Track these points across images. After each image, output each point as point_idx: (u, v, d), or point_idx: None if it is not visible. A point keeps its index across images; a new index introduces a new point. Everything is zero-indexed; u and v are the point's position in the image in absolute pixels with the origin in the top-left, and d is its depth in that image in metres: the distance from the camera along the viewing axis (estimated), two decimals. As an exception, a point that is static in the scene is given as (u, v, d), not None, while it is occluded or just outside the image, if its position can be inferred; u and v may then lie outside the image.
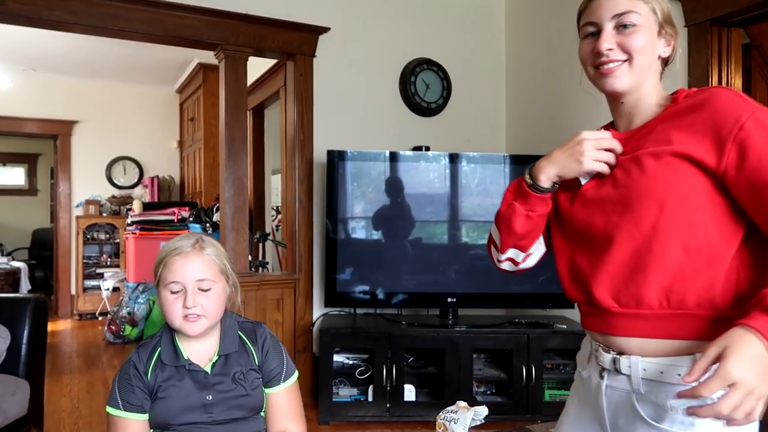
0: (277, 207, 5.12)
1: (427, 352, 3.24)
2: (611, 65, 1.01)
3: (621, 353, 0.99)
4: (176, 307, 1.31)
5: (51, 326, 4.36)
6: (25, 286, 5.80)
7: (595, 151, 1.00)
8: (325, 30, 3.49)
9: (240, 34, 3.28)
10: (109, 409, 1.33)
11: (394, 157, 3.32)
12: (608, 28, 1.01)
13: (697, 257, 0.92)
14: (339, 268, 3.26)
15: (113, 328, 5.04)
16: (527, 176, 1.07)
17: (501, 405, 3.08)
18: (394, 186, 3.33)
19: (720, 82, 2.75)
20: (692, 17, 2.79)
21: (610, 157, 1.00)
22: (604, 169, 1.01)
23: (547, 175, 1.04)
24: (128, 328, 5.03)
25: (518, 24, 3.94)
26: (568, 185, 1.08)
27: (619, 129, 1.08)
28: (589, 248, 1.04)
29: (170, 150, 6.85)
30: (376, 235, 3.35)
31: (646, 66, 1.01)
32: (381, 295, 3.29)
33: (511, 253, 1.16)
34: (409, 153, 3.39)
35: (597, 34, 1.03)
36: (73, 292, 6.30)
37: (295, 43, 3.43)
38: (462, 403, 1.43)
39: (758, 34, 3.76)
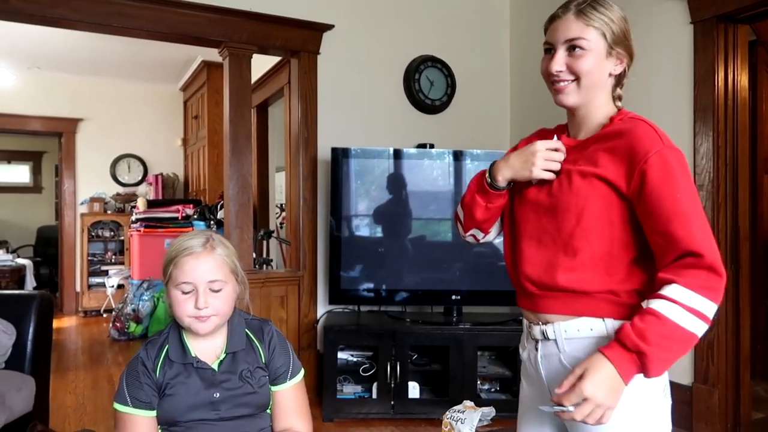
0: (281, 204, 5.12)
1: (431, 349, 3.24)
2: (561, 84, 1.17)
3: (546, 323, 1.19)
4: (187, 307, 1.31)
5: (56, 323, 4.38)
6: (30, 283, 5.81)
7: (544, 162, 1.17)
8: (329, 27, 3.48)
9: (244, 31, 3.28)
10: (117, 406, 1.33)
11: (398, 155, 3.32)
12: (560, 50, 1.16)
13: (599, 262, 1.12)
14: (343, 266, 3.26)
15: (118, 325, 5.05)
16: (487, 174, 1.26)
17: (505, 402, 3.07)
18: (398, 183, 3.33)
19: (726, 79, 2.74)
20: (698, 14, 2.77)
21: (557, 167, 1.17)
22: (551, 176, 1.18)
23: (503, 176, 1.24)
24: (133, 325, 5.04)
25: (523, 21, 3.93)
26: (519, 184, 1.26)
27: (569, 134, 1.25)
28: (523, 241, 1.23)
29: (174, 148, 6.86)
30: (380, 232, 3.35)
31: (593, 85, 1.16)
32: (385, 293, 3.29)
33: (473, 231, 1.37)
34: (413, 150, 3.39)
35: (552, 52, 1.18)
36: (78, 289, 6.32)
37: (299, 40, 3.43)
38: (469, 403, 1.43)
39: (765, 31, 3.73)
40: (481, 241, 1.40)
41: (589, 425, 1.03)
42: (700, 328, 1.01)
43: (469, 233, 1.38)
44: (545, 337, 1.19)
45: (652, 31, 3.01)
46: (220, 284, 1.33)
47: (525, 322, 1.28)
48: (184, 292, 1.31)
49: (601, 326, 1.12)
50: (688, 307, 1.00)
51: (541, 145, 1.18)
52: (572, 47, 1.15)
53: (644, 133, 1.09)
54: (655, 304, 1.02)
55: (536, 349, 1.22)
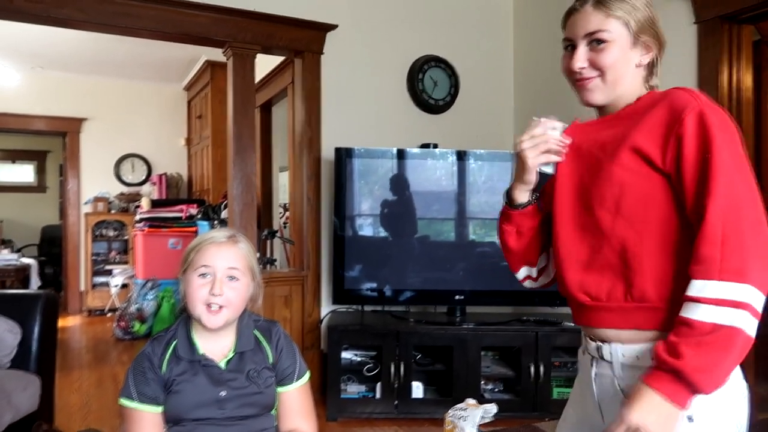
0: (285, 204, 5.13)
1: (434, 349, 3.24)
2: (585, 81, 1.08)
3: (603, 341, 1.06)
4: (202, 292, 1.32)
5: (61, 322, 4.35)
6: (35, 282, 5.84)
7: (534, 150, 1.09)
8: (333, 27, 3.49)
9: (248, 31, 3.28)
10: (123, 401, 1.33)
11: (401, 155, 3.32)
12: (581, 45, 1.07)
13: (659, 260, 0.98)
14: (347, 266, 3.26)
15: (122, 324, 5.07)
16: (505, 199, 1.18)
17: (509, 402, 3.08)
18: (401, 183, 3.33)
19: (730, 79, 2.73)
20: (702, 14, 2.77)
21: (553, 146, 1.09)
22: (550, 159, 1.09)
23: (516, 188, 1.15)
24: (137, 325, 5.06)
25: (526, 21, 3.93)
26: (548, 196, 1.16)
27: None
28: (560, 240, 1.11)
29: (178, 147, 6.87)
30: (384, 232, 3.35)
31: (620, 78, 1.06)
32: (389, 293, 3.29)
33: (525, 271, 1.25)
34: (417, 150, 3.39)
35: (573, 48, 1.09)
36: (83, 288, 6.35)
37: (303, 40, 3.44)
38: (471, 401, 1.44)
39: (769, 31, 3.72)
40: (540, 281, 1.26)
41: None
42: (740, 319, 0.86)
43: (521, 275, 1.25)
44: (601, 356, 1.06)
45: (656, 30, 3.00)
46: (238, 273, 1.35)
47: (582, 333, 1.15)
48: (201, 275, 1.33)
49: None
50: (714, 300, 0.87)
51: (524, 136, 1.11)
52: (594, 41, 1.05)
53: (680, 95, 0.98)
54: (683, 311, 0.91)
55: (591, 365, 1.09)
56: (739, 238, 0.88)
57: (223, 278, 1.33)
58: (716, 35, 2.73)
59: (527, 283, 1.27)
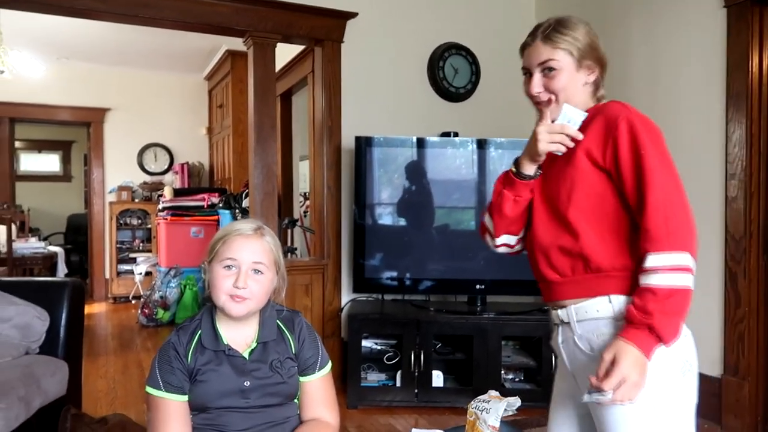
0: (305, 193, 5.14)
1: (455, 338, 3.24)
2: (542, 103, 1.30)
3: (561, 307, 1.29)
4: (226, 283, 1.33)
5: (87, 309, 4.45)
6: (62, 270, 5.95)
7: (548, 134, 1.24)
8: (353, 15, 3.47)
9: (268, 20, 3.28)
10: (150, 390, 1.35)
11: (421, 143, 3.30)
12: (536, 74, 1.30)
13: (603, 239, 1.21)
14: (367, 254, 3.27)
15: (146, 311, 5.16)
16: (513, 167, 1.34)
17: (530, 392, 3.07)
18: (421, 172, 3.32)
19: (761, 63, 2.66)
20: (732, -3, 2.69)
21: (563, 139, 1.23)
22: (559, 148, 1.24)
23: (524, 161, 1.31)
24: (161, 312, 5.14)
25: (548, 6, 3.86)
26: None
27: None
28: (534, 227, 1.33)
29: (199, 137, 6.93)
30: (404, 221, 3.34)
31: (570, 98, 1.28)
32: (409, 282, 3.29)
33: (505, 238, 1.43)
34: (437, 139, 3.37)
35: (529, 75, 1.32)
36: (108, 276, 6.46)
37: (323, 29, 3.42)
38: (494, 393, 1.43)
39: (802, 14, 3.61)
40: (515, 248, 1.46)
41: (612, 411, 1.16)
42: (686, 280, 1.11)
43: (501, 240, 1.43)
44: (562, 321, 1.29)
45: (683, 15, 2.93)
46: (263, 267, 1.37)
47: (550, 311, 1.36)
48: (226, 267, 1.34)
49: (606, 306, 1.21)
50: (666, 268, 1.10)
51: (542, 125, 1.26)
52: (545, 69, 1.28)
53: (614, 106, 1.23)
54: (643, 280, 1.13)
55: (558, 335, 1.32)
56: (675, 218, 1.13)
57: (248, 271, 1.35)
58: (746, 19, 2.65)
59: (502, 249, 1.46)
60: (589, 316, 1.23)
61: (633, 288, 1.16)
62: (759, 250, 2.66)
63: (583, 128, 1.24)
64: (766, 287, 2.68)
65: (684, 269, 1.11)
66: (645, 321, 1.09)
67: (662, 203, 1.13)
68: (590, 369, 1.17)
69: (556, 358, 1.38)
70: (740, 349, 2.68)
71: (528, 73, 1.32)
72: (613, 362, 1.09)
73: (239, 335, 1.40)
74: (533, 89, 1.30)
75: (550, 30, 1.28)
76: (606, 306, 1.21)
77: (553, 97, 1.29)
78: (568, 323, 1.27)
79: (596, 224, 1.22)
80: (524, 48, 1.34)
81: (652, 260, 1.12)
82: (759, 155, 2.65)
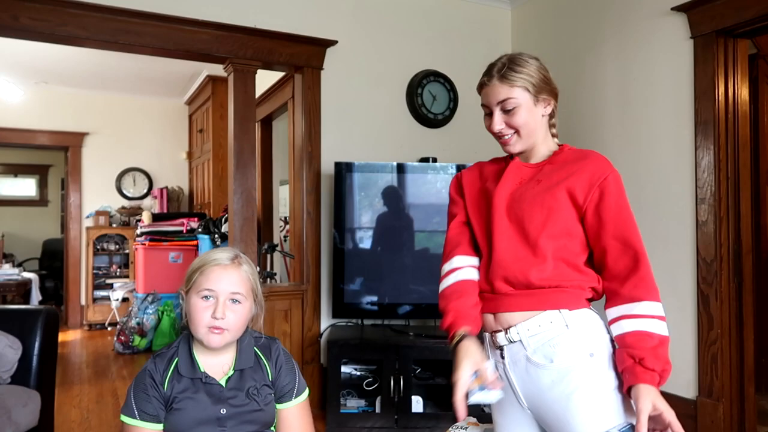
0: (285, 217, 5.14)
1: (434, 363, 3.24)
2: (506, 138, 1.38)
3: (509, 327, 1.30)
4: (205, 315, 1.34)
5: (61, 336, 4.37)
6: (36, 297, 5.84)
7: (460, 399, 1.24)
8: (333, 43, 3.52)
9: (249, 47, 3.32)
10: (124, 418, 1.34)
11: (401, 169, 3.34)
12: (496, 111, 1.36)
13: (565, 260, 1.30)
14: (347, 279, 3.27)
15: (122, 338, 5.07)
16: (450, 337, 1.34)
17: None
18: (401, 197, 3.35)
19: (726, 92, 2.76)
20: (698, 29, 2.80)
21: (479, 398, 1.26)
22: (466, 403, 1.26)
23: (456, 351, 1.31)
24: (137, 339, 5.06)
25: (524, 36, 3.97)
26: (487, 194, 1.44)
27: (521, 159, 1.44)
28: (495, 244, 1.36)
29: (179, 161, 6.91)
30: (384, 246, 3.36)
31: (532, 131, 1.37)
32: (388, 306, 3.29)
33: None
34: (416, 164, 3.41)
35: (491, 113, 1.37)
36: (83, 302, 6.35)
37: (303, 56, 3.47)
38: (471, 419, 1.44)
39: (765, 44, 3.76)
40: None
41: (584, 402, 1.23)
42: (667, 330, 1.23)
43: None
44: (510, 341, 1.31)
45: (653, 45, 3.04)
46: (240, 297, 1.37)
47: (486, 336, 1.38)
48: (204, 297, 1.34)
49: (558, 318, 1.27)
50: (658, 317, 1.22)
51: (458, 392, 1.25)
52: (504, 108, 1.35)
53: (600, 159, 1.34)
54: (640, 324, 1.21)
55: (503, 357, 1.33)
56: (651, 271, 1.25)
57: (226, 301, 1.35)
58: (712, 49, 2.75)
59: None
60: (542, 329, 1.27)
61: (578, 303, 1.28)
62: (730, 272, 2.73)
63: (564, 165, 1.34)
64: (737, 309, 2.74)
65: (665, 319, 1.23)
66: (661, 368, 1.18)
67: (645, 255, 1.25)
68: (551, 382, 1.24)
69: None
70: (714, 371, 2.72)
71: (488, 111, 1.38)
72: (657, 409, 1.14)
73: (216, 363, 1.40)
74: (494, 127, 1.37)
75: (505, 69, 1.34)
76: (557, 317, 1.27)
77: (513, 134, 1.37)
78: (518, 341, 1.29)
79: (560, 251, 1.30)
80: (482, 87, 1.39)
81: (648, 308, 1.22)
82: (727, 180, 2.74)
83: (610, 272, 1.28)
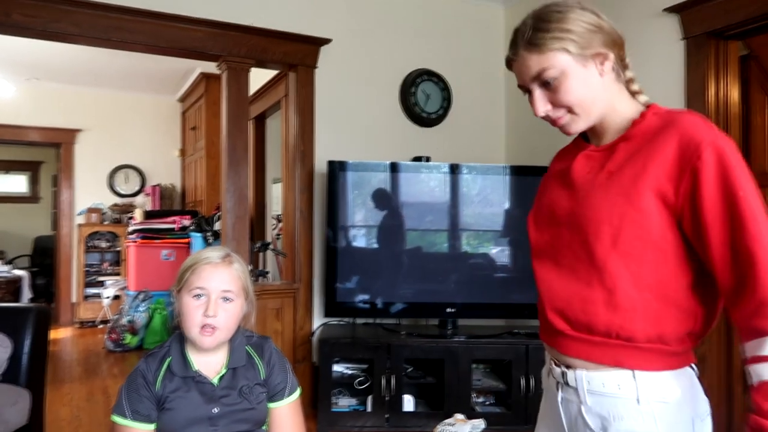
0: (278, 216, 5.14)
1: (426, 362, 3.24)
2: (558, 120, 1.03)
3: (568, 367, 1.03)
4: (197, 314, 1.34)
5: (52, 334, 4.36)
6: (26, 294, 5.81)
7: None
8: (327, 41, 3.52)
9: (242, 45, 3.31)
10: (116, 418, 1.34)
11: (394, 168, 3.34)
12: (535, 90, 1.02)
13: (647, 297, 0.94)
14: (339, 278, 3.27)
15: (114, 336, 5.05)
16: None
17: (500, 416, 3.08)
18: (394, 196, 3.35)
19: (717, 94, 2.78)
20: (689, 30, 2.82)
21: None
22: None
23: None
24: (129, 337, 5.04)
25: (518, 35, 3.97)
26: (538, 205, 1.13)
27: (591, 142, 1.09)
28: (542, 265, 1.07)
29: (172, 158, 6.88)
30: (377, 245, 3.36)
31: (589, 104, 1.00)
32: (380, 305, 3.30)
33: None
34: (410, 163, 3.42)
35: (529, 93, 1.04)
36: (74, 300, 6.32)
37: (297, 54, 3.46)
38: (459, 416, 1.45)
39: (756, 46, 3.78)
40: None
41: None
42: None
43: None
44: (567, 384, 1.04)
45: (645, 46, 3.05)
46: (232, 296, 1.37)
47: (547, 354, 1.13)
48: (196, 296, 1.34)
49: (630, 383, 0.95)
50: None
51: None
52: (543, 82, 1.00)
53: (691, 123, 0.91)
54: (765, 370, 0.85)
55: (557, 389, 1.07)
56: None
57: (218, 300, 1.35)
58: (704, 51, 2.77)
59: None
60: (606, 390, 0.97)
61: (664, 363, 0.95)
62: (719, 273, 2.74)
63: (648, 143, 0.94)
64: (724, 310, 2.76)
65: None
66: None
67: None
68: None
69: (542, 390, 1.17)
70: (701, 371, 2.73)
71: (526, 90, 1.05)
72: None
73: (209, 362, 1.40)
74: (537, 111, 1.03)
75: (531, 32, 0.99)
76: (629, 383, 0.95)
77: (566, 113, 1.01)
78: (575, 388, 1.01)
79: (641, 282, 0.94)
80: (509, 66, 1.06)
81: None
82: (717, 182, 2.75)
83: (724, 293, 0.90)
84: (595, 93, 1.00)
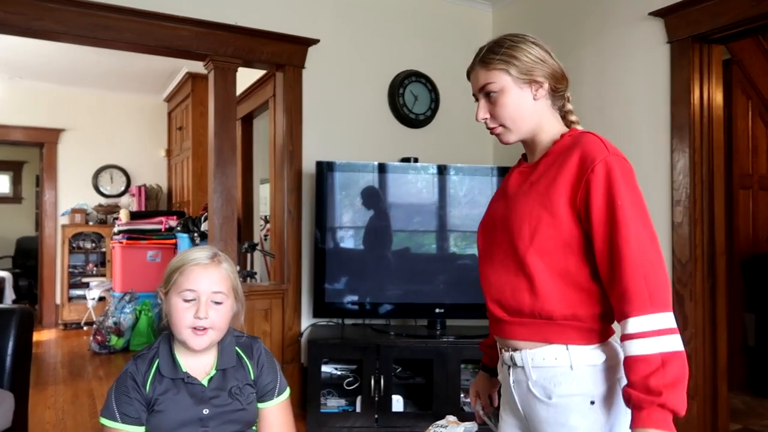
0: (266, 216, 5.11)
1: (415, 362, 3.25)
2: (493, 129, 1.24)
3: (515, 350, 1.20)
4: (187, 316, 1.32)
5: (35, 336, 4.30)
6: (9, 295, 5.73)
7: None
8: (315, 42, 3.51)
9: (229, 45, 3.29)
10: (105, 421, 1.32)
11: (382, 168, 3.34)
12: (481, 99, 1.23)
13: (559, 284, 1.14)
14: (327, 279, 3.27)
15: (99, 338, 4.99)
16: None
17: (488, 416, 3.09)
18: (382, 197, 3.36)
19: (701, 97, 2.81)
20: (674, 34, 2.85)
21: None
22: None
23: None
24: (114, 338, 4.98)
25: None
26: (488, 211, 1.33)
27: (527, 160, 1.29)
28: (484, 263, 1.28)
29: (158, 159, 6.82)
30: (365, 245, 3.36)
31: (519, 119, 1.20)
32: (369, 306, 3.30)
33: None
34: (398, 164, 3.42)
35: (478, 102, 1.24)
36: (58, 301, 6.23)
37: (285, 54, 3.45)
38: (451, 418, 1.45)
39: (739, 50, 3.84)
40: None
41: None
42: (676, 342, 1.02)
43: None
44: (515, 364, 1.20)
45: (631, 50, 3.08)
46: (222, 297, 1.36)
47: (498, 345, 1.29)
48: (186, 300, 1.33)
49: (564, 355, 1.14)
50: (653, 332, 1.02)
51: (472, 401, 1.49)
52: (487, 93, 1.21)
53: (589, 142, 1.13)
54: (629, 348, 1.04)
55: (509, 374, 1.23)
56: (654, 276, 1.04)
57: (208, 301, 1.34)
58: (688, 54, 2.81)
59: None
60: (546, 363, 1.15)
61: (587, 338, 1.13)
62: (704, 273, 2.79)
63: (560, 158, 1.15)
64: (710, 309, 2.80)
65: (671, 331, 1.02)
66: (655, 401, 0.99)
67: (639, 261, 1.04)
68: (547, 417, 1.15)
69: (499, 395, 1.36)
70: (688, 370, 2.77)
71: (477, 99, 1.26)
72: None
73: (198, 363, 1.39)
74: (478, 115, 1.24)
75: (485, 52, 1.22)
76: (563, 355, 1.13)
77: (499, 125, 1.22)
78: (522, 367, 1.19)
79: (554, 272, 1.14)
80: (468, 76, 1.27)
81: (635, 325, 1.03)
82: (701, 183, 2.79)
83: (604, 282, 1.11)
84: (525, 112, 1.20)
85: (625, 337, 1.05)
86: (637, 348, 1.02)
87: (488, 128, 1.24)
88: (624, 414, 1.11)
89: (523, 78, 1.18)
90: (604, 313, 1.14)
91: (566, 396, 1.13)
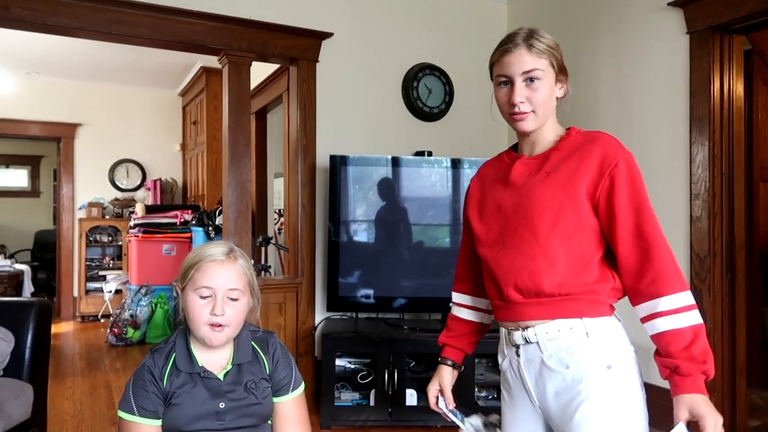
0: (280, 210, 5.13)
1: (428, 356, 3.24)
2: (521, 114, 1.26)
3: (527, 328, 1.25)
4: (204, 313, 1.33)
5: (53, 328, 4.34)
6: (28, 288, 5.80)
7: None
8: (329, 35, 3.50)
9: (244, 39, 3.29)
10: (122, 414, 1.34)
11: (396, 162, 3.33)
12: (519, 82, 1.25)
13: (578, 264, 1.22)
14: (341, 273, 3.27)
15: (115, 330, 5.05)
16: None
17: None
18: (396, 190, 3.35)
19: (722, 89, 2.76)
20: (694, 24, 2.80)
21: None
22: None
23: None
24: (131, 331, 5.04)
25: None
26: (480, 204, 1.40)
27: (523, 152, 1.34)
28: (496, 251, 1.30)
29: (173, 153, 6.87)
30: (379, 239, 3.36)
31: (547, 111, 1.28)
32: (383, 300, 3.29)
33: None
34: (412, 158, 3.40)
35: (509, 84, 1.26)
36: (76, 294, 6.32)
37: (299, 48, 3.45)
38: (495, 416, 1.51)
39: (760, 41, 3.77)
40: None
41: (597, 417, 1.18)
42: (700, 317, 1.15)
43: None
44: (527, 341, 1.25)
45: (649, 41, 3.03)
46: (238, 294, 1.36)
47: (503, 330, 1.34)
48: (202, 297, 1.34)
49: (579, 325, 1.21)
50: (684, 308, 1.15)
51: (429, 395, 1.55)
52: (529, 79, 1.24)
53: (609, 140, 1.23)
54: (664, 324, 1.15)
55: (518, 355, 1.28)
56: (675, 260, 1.18)
57: (224, 298, 1.34)
58: (708, 45, 2.76)
59: None
60: (561, 334, 1.21)
61: (601, 311, 1.22)
62: (722, 268, 2.74)
63: (573, 151, 1.24)
64: (729, 304, 2.76)
65: (695, 306, 1.16)
66: (700, 368, 1.11)
67: (665, 247, 1.17)
68: (563, 388, 1.20)
69: (499, 390, 1.39)
70: (706, 365, 2.74)
71: (507, 82, 1.26)
72: (695, 416, 1.10)
73: (214, 357, 1.39)
74: (516, 98, 1.24)
75: (533, 39, 1.25)
76: (578, 324, 1.21)
77: (531, 111, 1.26)
78: (535, 343, 1.24)
79: (575, 253, 1.22)
80: (503, 54, 1.27)
81: (669, 302, 1.14)
82: (721, 176, 2.75)
83: (625, 267, 1.20)
84: (551, 104, 1.28)
85: (657, 315, 1.15)
86: (673, 322, 1.13)
87: (517, 112, 1.25)
88: (637, 379, 1.22)
89: (557, 73, 1.27)
90: (615, 287, 1.24)
91: (583, 363, 1.20)
